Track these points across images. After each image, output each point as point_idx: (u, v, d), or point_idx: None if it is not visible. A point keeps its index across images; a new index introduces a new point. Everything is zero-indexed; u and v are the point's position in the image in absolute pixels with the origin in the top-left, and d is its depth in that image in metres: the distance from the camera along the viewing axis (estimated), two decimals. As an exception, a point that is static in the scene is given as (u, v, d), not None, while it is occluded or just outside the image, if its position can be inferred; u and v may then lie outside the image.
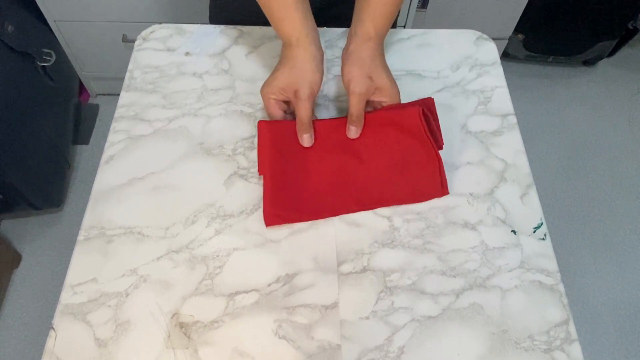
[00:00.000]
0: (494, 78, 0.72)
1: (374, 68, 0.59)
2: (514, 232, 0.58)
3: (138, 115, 0.66)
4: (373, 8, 0.60)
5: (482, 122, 0.67)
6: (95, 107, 1.67)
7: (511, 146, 0.65)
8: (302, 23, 0.60)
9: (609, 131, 1.73)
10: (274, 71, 0.61)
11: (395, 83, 0.61)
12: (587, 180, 1.62)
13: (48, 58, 1.35)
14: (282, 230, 0.57)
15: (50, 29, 1.40)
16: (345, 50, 0.62)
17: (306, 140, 0.60)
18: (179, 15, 1.37)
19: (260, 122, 0.60)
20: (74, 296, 0.52)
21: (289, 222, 0.57)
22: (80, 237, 0.56)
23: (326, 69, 0.71)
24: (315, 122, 0.61)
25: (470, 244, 0.57)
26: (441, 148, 0.60)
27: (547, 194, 1.57)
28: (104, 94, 1.69)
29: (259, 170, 0.60)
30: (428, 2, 1.43)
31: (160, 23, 0.75)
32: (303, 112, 0.58)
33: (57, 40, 1.43)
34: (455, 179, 0.62)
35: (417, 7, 1.38)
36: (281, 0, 0.59)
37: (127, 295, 0.52)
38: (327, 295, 0.53)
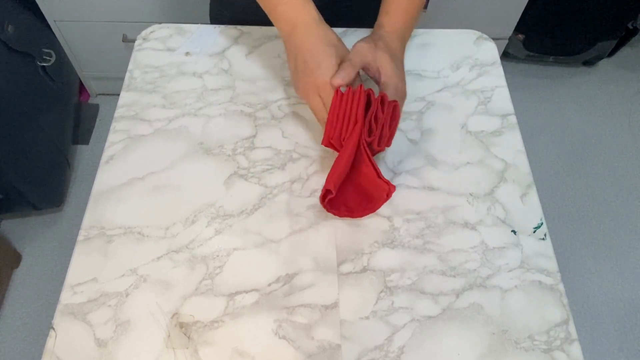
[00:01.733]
0: (494, 78, 0.72)
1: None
2: (514, 232, 0.58)
3: (138, 115, 0.66)
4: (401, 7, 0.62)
5: (482, 122, 0.67)
6: (95, 107, 1.67)
7: (511, 146, 0.65)
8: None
9: (609, 131, 1.73)
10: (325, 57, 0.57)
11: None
12: (587, 180, 1.62)
13: (48, 58, 1.35)
14: (282, 230, 0.57)
15: (50, 29, 1.40)
16: (375, 37, 0.61)
17: None
18: (179, 15, 1.37)
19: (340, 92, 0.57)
20: (74, 296, 0.52)
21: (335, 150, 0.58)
22: (80, 237, 0.56)
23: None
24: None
25: (470, 244, 0.57)
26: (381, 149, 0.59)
27: (547, 194, 1.57)
28: (104, 94, 1.69)
29: (324, 138, 0.58)
30: (428, 2, 1.43)
31: (160, 23, 0.76)
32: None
33: (57, 40, 1.43)
34: (455, 179, 0.62)
35: (417, 7, 1.38)
36: None
37: (127, 295, 0.52)
38: (327, 295, 0.53)
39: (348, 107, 0.56)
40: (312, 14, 0.59)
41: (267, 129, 0.65)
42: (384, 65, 0.58)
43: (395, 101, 0.57)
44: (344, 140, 0.56)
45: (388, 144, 0.59)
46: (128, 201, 0.58)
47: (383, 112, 0.56)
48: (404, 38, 0.63)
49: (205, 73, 0.70)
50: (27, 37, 1.30)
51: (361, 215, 0.58)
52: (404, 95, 0.60)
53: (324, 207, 0.57)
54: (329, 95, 0.57)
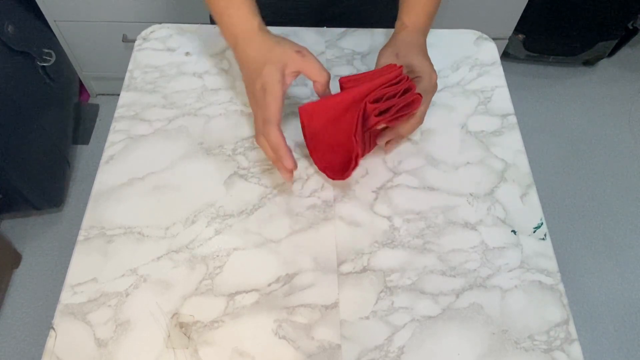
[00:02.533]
0: (494, 78, 0.72)
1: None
2: (514, 232, 0.58)
3: (138, 115, 0.66)
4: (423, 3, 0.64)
5: (482, 122, 0.67)
6: (95, 107, 1.67)
7: (511, 146, 0.65)
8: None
9: (609, 131, 1.73)
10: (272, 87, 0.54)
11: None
12: (587, 180, 1.62)
13: (48, 58, 1.35)
14: (282, 230, 0.57)
15: (50, 29, 1.40)
16: (399, 40, 0.63)
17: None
18: (179, 15, 1.37)
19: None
20: (74, 296, 0.52)
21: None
22: (80, 237, 0.56)
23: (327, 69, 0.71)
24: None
25: (470, 244, 0.57)
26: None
27: (547, 194, 1.57)
28: (104, 94, 1.69)
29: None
30: (428, 2, 1.43)
31: (160, 23, 0.75)
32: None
33: (57, 40, 1.43)
34: (455, 179, 0.62)
35: (417, 7, 1.38)
36: None
37: (127, 295, 0.52)
38: (327, 295, 0.53)
39: (382, 73, 0.57)
40: (252, 23, 0.56)
41: (267, 129, 0.65)
42: (413, 64, 0.60)
43: (418, 94, 0.57)
44: (349, 81, 0.57)
45: (390, 122, 0.57)
46: (128, 201, 0.58)
47: (400, 96, 0.57)
48: (426, 34, 0.65)
49: (205, 73, 0.70)
50: (27, 37, 1.30)
51: (333, 179, 0.58)
52: (435, 84, 0.61)
53: (305, 138, 0.58)
54: (272, 133, 0.53)
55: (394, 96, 0.56)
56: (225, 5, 0.57)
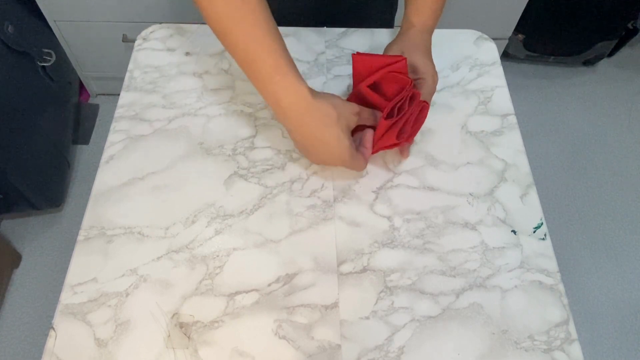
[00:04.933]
0: (494, 78, 0.72)
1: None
2: (514, 232, 0.58)
3: (138, 115, 0.66)
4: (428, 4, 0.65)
5: (482, 122, 0.67)
6: (95, 107, 1.67)
7: (511, 146, 0.65)
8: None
9: (609, 131, 1.73)
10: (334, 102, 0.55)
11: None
12: (587, 180, 1.62)
13: (48, 58, 1.35)
14: (282, 230, 0.57)
15: (50, 29, 1.40)
16: (407, 39, 0.64)
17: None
18: (179, 15, 1.37)
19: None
20: (74, 296, 0.52)
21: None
22: (80, 237, 0.56)
23: (326, 69, 0.71)
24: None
25: (470, 244, 0.57)
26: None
27: (547, 194, 1.57)
28: (104, 94, 1.69)
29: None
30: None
31: (160, 23, 0.75)
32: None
33: (57, 40, 1.43)
34: (455, 179, 0.62)
35: (417, 7, 1.38)
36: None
37: (127, 295, 0.52)
38: (327, 295, 0.53)
39: (389, 59, 0.59)
40: (303, 92, 0.52)
41: (267, 129, 0.65)
42: (417, 65, 0.61)
43: (424, 102, 0.59)
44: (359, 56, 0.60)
45: (409, 140, 0.61)
46: (128, 201, 0.58)
47: (409, 106, 0.58)
48: (432, 32, 0.66)
49: (205, 73, 0.70)
50: (27, 37, 1.30)
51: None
52: (435, 86, 0.63)
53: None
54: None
55: (403, 105, 0.57)
56: (269, 72, 0.52)
